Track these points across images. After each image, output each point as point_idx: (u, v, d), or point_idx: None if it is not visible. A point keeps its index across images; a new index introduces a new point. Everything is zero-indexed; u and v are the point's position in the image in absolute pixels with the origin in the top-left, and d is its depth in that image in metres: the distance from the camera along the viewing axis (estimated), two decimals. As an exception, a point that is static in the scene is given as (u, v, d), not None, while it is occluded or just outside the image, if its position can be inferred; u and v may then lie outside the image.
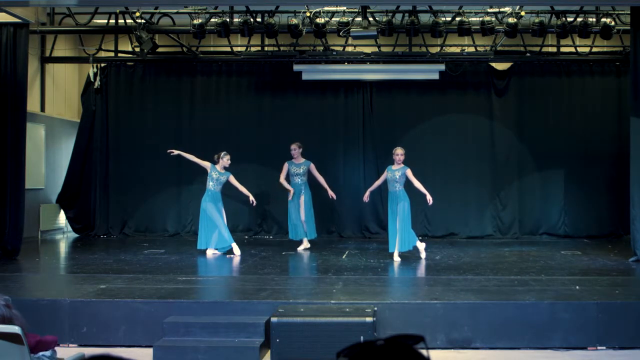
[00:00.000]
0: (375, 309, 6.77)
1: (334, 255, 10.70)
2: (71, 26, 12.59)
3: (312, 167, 11.45)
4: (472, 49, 13.25)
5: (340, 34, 11.46)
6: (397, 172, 9.99)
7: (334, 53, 13.14)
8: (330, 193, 11.46)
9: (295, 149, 11.48)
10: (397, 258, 9.95)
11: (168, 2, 11.45)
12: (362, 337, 6.37)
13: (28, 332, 4.19)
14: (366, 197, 10.71)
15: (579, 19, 11.57)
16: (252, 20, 11.56)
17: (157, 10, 12.15)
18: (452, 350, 6.80)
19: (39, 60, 13.56)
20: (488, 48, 13.02)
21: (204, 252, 10.75)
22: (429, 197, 9.98)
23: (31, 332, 4.29)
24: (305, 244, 11.37)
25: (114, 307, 7.04)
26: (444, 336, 6.85)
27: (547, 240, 12.94)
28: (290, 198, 11.35)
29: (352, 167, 13.60)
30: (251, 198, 10.81)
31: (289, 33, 11.63)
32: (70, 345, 6.85)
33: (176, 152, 11.04)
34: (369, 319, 6.49)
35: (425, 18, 11.86)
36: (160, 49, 13.15)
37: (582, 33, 11.57)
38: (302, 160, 11.48)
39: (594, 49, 13.13)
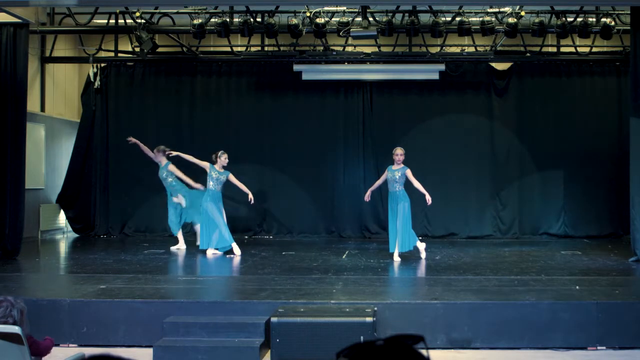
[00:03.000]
0: (375, 309, 6.77)
1: (334, 255, 10.70)
2: (71, 26, 12.59)
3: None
4: (472, 49, 13.25)
5: (340, 34, 11.46)
6: (397, 172, 9.99)
7: (334, 53, 13.15)
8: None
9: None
10: (397, 258, 9.95)
11: (168, 2, 11.45)
12: (362, 337, 6.37)
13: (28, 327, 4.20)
14: (367, 197, 10.70)
15: (579, 19, 11.57)
16: (252, 20, 11.56)
17: (157, 10, 12.15)
18: (452, 350, 6.80)
19: (39, 60, 13.55)
20: (488, 48, 13.03)
21: (204, 252, 10.75)
22: (428, 197, 9.98)
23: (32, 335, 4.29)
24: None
25: (114, 307, 7.04)
26: (444, 336, 6.85)
27: (547, 240, 12.94)
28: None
29: (352, 167, 13.60)
30: (250, 196, 10.79)
31: (289, 33, 11.62)
32: (70, 345, 6.86)
33: (175, 153, 11.05)
34: (369, 319, 6.48)
35: (425, 18, 11.85)
36: (160, 49, 13.14)
37: (582, 33, 11.57)
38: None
39: (594, 49, 13.13)
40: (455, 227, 13.31)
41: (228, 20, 11.55)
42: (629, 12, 10.51)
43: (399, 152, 10.07)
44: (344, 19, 11.40)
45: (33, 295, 7.39)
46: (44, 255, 11.40)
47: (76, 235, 13.82)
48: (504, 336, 6.86)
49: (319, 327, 6.47)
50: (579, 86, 13.54)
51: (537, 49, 13.14)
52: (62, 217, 14.03)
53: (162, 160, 11.46)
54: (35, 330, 4.74)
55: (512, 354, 6.73)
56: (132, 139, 11.56)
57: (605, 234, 13.12)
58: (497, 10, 11.51)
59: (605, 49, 13.34)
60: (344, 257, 10.61)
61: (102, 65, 13.87)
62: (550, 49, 13.40)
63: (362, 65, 13.47)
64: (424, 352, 1.42)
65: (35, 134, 12.96)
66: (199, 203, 11.03)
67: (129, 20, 12.30)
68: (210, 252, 10.69)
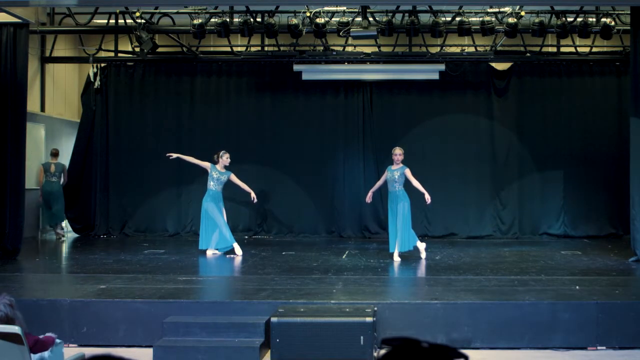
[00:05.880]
0: (375, 309, 6.77)
1: (334, 255, 10.70)
2: (71, 26, 12.59)
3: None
4: (472, 49, 13.25)
5: (340, 34, 11.46)
6: (396, 172, 10.00)
7: (334, 53, 13.14)
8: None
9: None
10: (397, 258, 9.96)
11: (168, 2, 11.45)
12: (362, 337, 6.37)
13: (27, 333, 4.19)
14: (369, 198, 10.73)
15: (579, 19, 11.57)
16: (252, 20, 11.56)
17: (157, 10, 12.15)
18: (452, 350, 6.79)
19: (39, 60, 13.56)
20: (488, 48, 13.03)
21: (204, 252, 10.75)
22: (427, 196, 9.98)
23: (29, 333, 4.29)
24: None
25: (114, 307, 7.04)
26: (444, 336, 6.85)
27: (547, 240, 12.94)
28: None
29: (352, 167, 13.60)
30: (252, 195, 10.80)
31: (289, 33, 11.62)
32: (70, 345, 6.85)
33: (175, 155, 11.05)
34: (369, 319, 6.48)
35: (425, 18, 11.86)
36: (160, 49, 13.15)
37: (582, 33, 11.57)
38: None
39: (594, 49, 13.14)
40: (455, 227, 13.31)
41: (228, 20, 11.55)
42: (629, 12, 10.51)
43: (397, 152, 10.08)
44: (344, 19, 11.39)
45: (33, 295, 7.40)
46: (44, 255, 11.39)
47: (76, 235, 13.82)
48: (504, 336, 6.86)
49: (319, 327, 6.47)
50: (579, 86, 13.54)
51: (537, 49, 13.14)
52: (62, 217, 14.01)
53: None
54: (35, 331, 4.74)
55: (512, 354, 6.74)
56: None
57: (605, 234, 13.12)
58: (497, 10, 11.51)
59: (605, 49, 13.35)
60: (344, 257, 10.61)
61: (102, 65, 13.87)
62: (550, 49, 13.40)
63: (362, 65, 13.47)
64: None
65: (35, 134, 12.96)
66: None
67: (129, 20, 12.30)
68: (210, 252, 10.69)
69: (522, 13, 11.37)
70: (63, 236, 13.28)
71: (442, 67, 13.09)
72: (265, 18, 11.54)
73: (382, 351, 1.48)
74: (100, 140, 13.88)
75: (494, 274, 8.76)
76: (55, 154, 13.27)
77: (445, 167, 13.27)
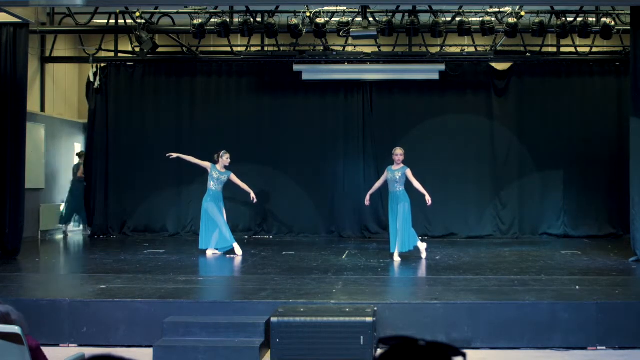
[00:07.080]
0: (375, 309, 6.77)
1: (334, 255, 10.70)
2: (71, 26, 12.59)
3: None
4: (472, 49, 13.25)
5: (340, 34, 11.46)
6: (397, 172, 9.99)
7: (334, 53, 13.15)
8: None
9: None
10: (397, 258, 9.95)
11: (168, 2, 11.44)
12: (362, 337, 6.37)
13: (26, 327, 4.15)
14: (367, 201, 10.72)
15: (579, 19, 11.57)
16: (252, 20, 11.56)
17: (157, 10, 12.15)
18: (452, 350, 6.78)
19: (39, 60, 13.55)
20: (488, 48, 13.03)
21: (204, 252, 10.75)
22: (428, 198, 9.98)
23: (31, 335, 4.25)
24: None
25: (114, 307, 7.03)
26: (444, 336, 6.84)
27: (547, 240, 12.94)
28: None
29: (352, 167, 13.60)
30: (252, 195, 10.79)
31: (289, 33, 11.63)
32: (70, 345, 6.85)
33: (175, 155, 11.04)
34: (369, 319, 6.48)
35: (425, 18, 11.86)
36: (160, 49, 13.15)
37: (582, 33, 11.57)
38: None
39: (594, 49, 13.14)
40: (455, 227, 13.31)
41: (228, 20, 11.54)
42: (629, 12, 10.51)
43: (398, 152, 10.08)
44: (344, 19, 11.39)
45: (33, 296, 7.39)
46: (44, 255, 11.39)
47: (76, 235, 13.83)
48: (504, 336, 6.86)
49: (319, 327, 6.47)
50: (579, 86, 13.54)
51: (537, 49, 13.14)
52: (62, 217, 14.02)
53: None
54: (35, 331, 4.73)
55: (512, 354, 6.73)
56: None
57: (605, 234, 13.13)
58: (497, 10, 11.51)
59: (605, 49, 13.35)
60: (344, 257, 10.61)
61: (102, 65, 13.87)
62: (550, 49, 13.41)
63: (362, 65, 13.47)
64: None
65: (35, 134, 12.96)
66: None
67: (129, 20, 12.30)
68: (210, 252, 10.69)
69: (522, 13, 11.38)
70: (67, 235, 13.74)
71: (442, 67, 13.10)
72: (265, 18, 11.54)
73: (380, 350, 1.47)
74: (100, 140, 13.88)
75: (494, 274, 8.76)
76: (80, 155, 13.99)
77: (445, 167, 13.28)
